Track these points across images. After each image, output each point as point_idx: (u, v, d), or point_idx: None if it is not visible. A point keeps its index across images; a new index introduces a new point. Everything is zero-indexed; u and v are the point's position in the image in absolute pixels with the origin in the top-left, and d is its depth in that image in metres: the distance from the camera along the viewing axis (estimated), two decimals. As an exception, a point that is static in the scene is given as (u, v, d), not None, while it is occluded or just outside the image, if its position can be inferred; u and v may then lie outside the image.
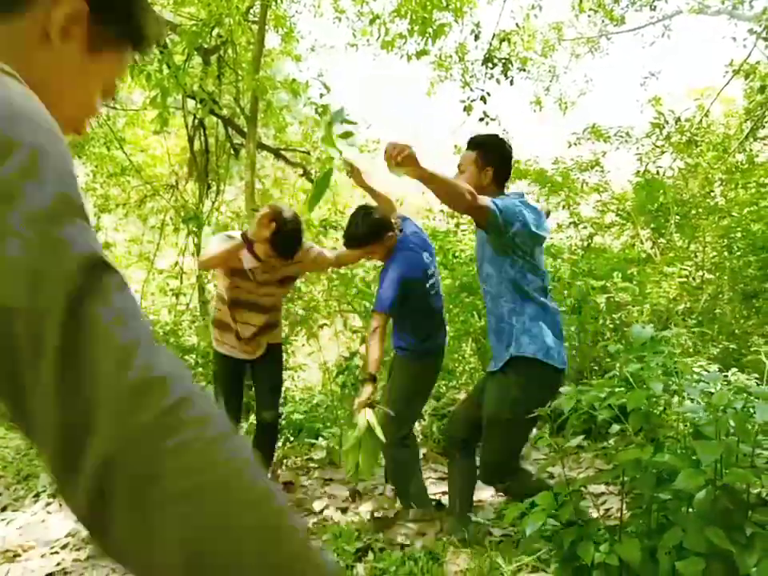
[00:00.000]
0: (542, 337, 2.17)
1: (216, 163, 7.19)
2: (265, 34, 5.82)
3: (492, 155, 2.28)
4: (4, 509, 2.99)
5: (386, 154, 1.94)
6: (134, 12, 0.66)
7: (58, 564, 2.37)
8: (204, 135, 6.99)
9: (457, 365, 4.89)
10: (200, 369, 4.72)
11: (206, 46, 6.28)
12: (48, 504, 3.01)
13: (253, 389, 3.26)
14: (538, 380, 2.18)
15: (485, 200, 2.06)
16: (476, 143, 2.32)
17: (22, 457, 3.59)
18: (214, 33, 6.28)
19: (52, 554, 2.49)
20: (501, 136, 2.49)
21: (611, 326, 4.32)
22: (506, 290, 2.21)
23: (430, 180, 1.99)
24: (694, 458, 1.63)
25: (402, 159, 1.90)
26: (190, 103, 6.47)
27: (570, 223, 5.91)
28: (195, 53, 6.31)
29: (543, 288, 2.26)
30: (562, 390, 1.97)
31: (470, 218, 2.74)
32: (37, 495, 3.11)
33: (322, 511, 2.88)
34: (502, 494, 2.52)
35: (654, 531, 1.71)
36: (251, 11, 6.97)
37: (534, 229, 2.17)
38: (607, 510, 2.48)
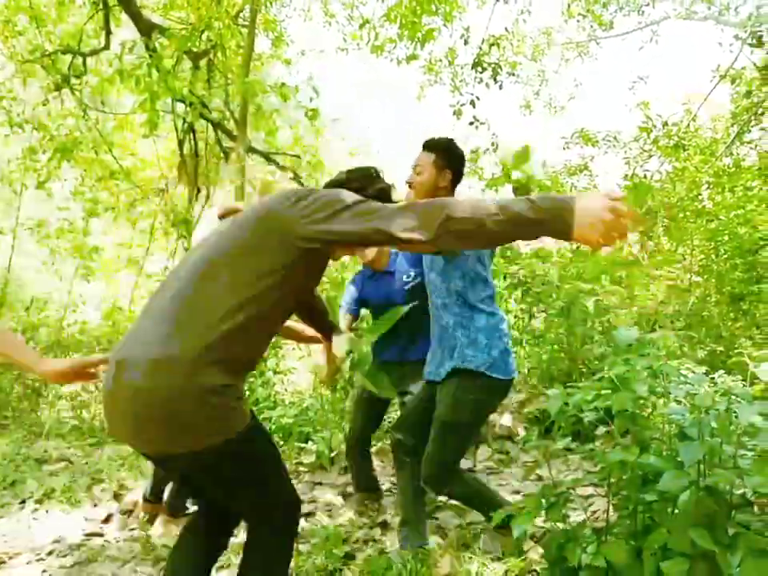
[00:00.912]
0: (488, 350, 2.16)
1: (206, 167, 7.18)
2: (254, 37, 5.82)
3: (452, 159, 2.29)
4: (-10, 515, 2.97)
5: None
6: None
7: (44, 571, 2.35)
8: (194, 139, 6.98)
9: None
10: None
11: (195, 50, 6.28)
12: (35, 510, 2.98)
13: None
14: (485, 389, 2.18)
15: None
16: (434, 145, 2.31)
17: (8, 463, 3.56)
18: (204, 37, 6.29)
19: (38, 560, 2.46)
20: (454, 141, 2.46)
21: (599, 328, 4.34)
22: (453, 302, 2.21)
23: None
24: (678, 459, 1.65)
25: None
26: (180, 107, 6.45)
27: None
28: (185, 56, 6.31)
29: (491, 296, 2.26)
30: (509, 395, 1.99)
31: None
32: (23, 502, 3.09)
33: (311, 514, 2.88)
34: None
35: (640, 532, 1.72)
36: (241, 15, 6.98)
37: None
38: (594, 511, 2.49)
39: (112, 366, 1.39)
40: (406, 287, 2.78)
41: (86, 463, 3.64)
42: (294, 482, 3.30)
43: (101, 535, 2.70)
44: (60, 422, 4.50)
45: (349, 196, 1.45)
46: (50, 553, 2.51)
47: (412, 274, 2.79)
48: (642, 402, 1.92)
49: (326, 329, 2.06)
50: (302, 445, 3.76)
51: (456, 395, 2.18)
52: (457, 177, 2.31)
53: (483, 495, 2.31)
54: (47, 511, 2.94)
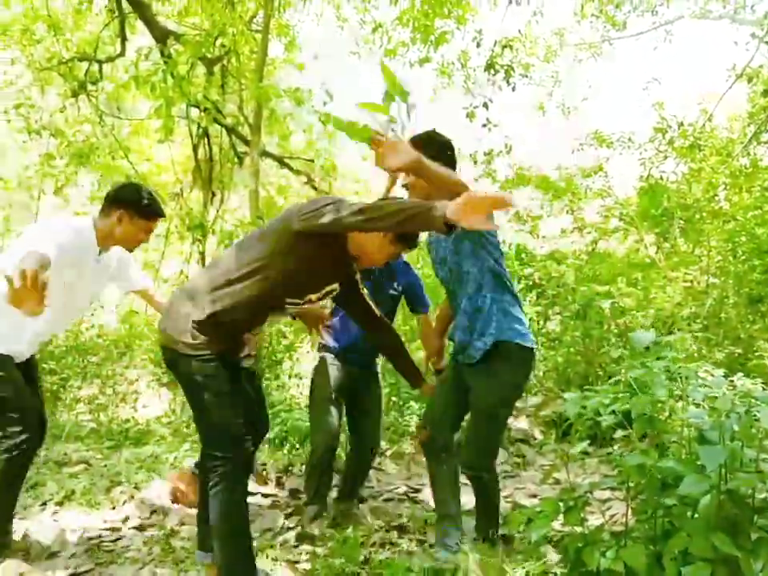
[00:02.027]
0: (518, 323, 2.25)
1: (220, 171, 7.24)
2: (268, 43, 5.86)
3: (433, 149, 2.19)
4: (11, 517, 3.00)
5: (375, 149, 1.82)
6: None
7: (65, 571, 2.38)
8: (208, 144, 7.04)
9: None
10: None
11: (209, 56, 6.33)
12: (55, 513, 3.02)
13: None
14: (520, 362, 2.26)
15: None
16: (415, 142, 2.21)
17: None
18: (218, 42, 6.34)
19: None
20: (436, 130, 2.41)
21: (616, 331, 4.31)
22: (488, 281, 2.27)
23: (421, 170, 1.87)
24: (698, 463, 1.63)
25: (389, 150, 1.79)
26: (194, 112, 6.51)
27: (574, 228, 5.92)
28: (199, 62, 6.37)
29: (509, 277, 2.36)
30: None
31: None
32: (44, 503, 3.13)
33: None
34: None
35: (660, 537, 1.70)
36: (254, 21, 7.03)
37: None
38: (612, 515, 2.48)
39: None
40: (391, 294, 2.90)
41: (105, 466, 3.68)
42: (298, 480, 3.31)
43: (120, 537, 2.73)
44: (78, 425, 4.56)
45: (337, 199, 1.86)
46: (72, 555, 2.54)
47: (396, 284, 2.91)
48: (660, 405, 1.91)
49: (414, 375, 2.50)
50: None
51: (494, 378, 2.23)
52: (447, 165, 2.19)
53: (497, 501, 2.34)
54: (67, 513, 2.97)
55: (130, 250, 2.51)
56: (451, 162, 2.29)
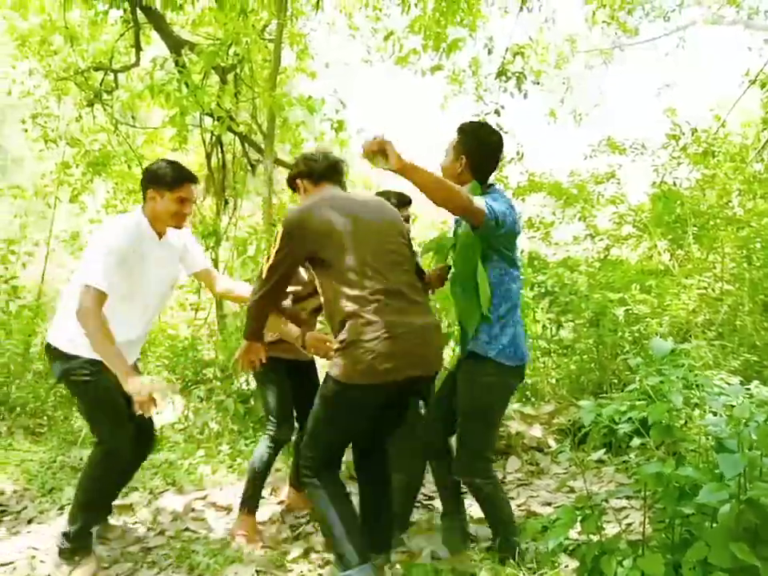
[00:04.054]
0: (500, 338, 2.19)
1: (233, 179, 7.29)
2: (281, 51, 5.91)
3: (469, 143, 2.21)
4: (30, 521, 3.04)
5: (363, 148, 1.89)
6: None
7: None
8: (221, 151, 7.09)
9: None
10: (218, 383, 4.76)
11: (222, 65, 6.40)
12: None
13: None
14: (498, 375, 2.21)
15: (480, 202, 2.04)
16: (459, 129, 2.27)
17: (46, 470, 3.64)
18: (231, 51, 6.41)
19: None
20: (489, 125, 2.41)
21: (630, 338, 4.29)
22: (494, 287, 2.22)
23: (412, 171, 1.87)
24: (716, 471, 1.63)
25: (377, 148, 1.85)
26: (207, 120, 6.57)
27: (587, 235, 5.90)
28: (212, 71, 6.44)
29: (519, 285, 2.31)
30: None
31: None
32: (61, 508, 3.16)
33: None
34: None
35: (678, 546, 1.69)
36: (267, 29, 7.10)
37: (516, 228, 2.23)
38: (629, 524, 2.46)
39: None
40: None
41: (120, 471, 3.71)
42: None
43: (137, 542, 2.75)
44: (93, 431, 4.59)
45: None
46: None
47: None
48: (676, 413, 1.90)
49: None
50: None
51: (478, 379, 2.21)
52: (476, 163, 2.22)
53: (506, 512, 2.29)
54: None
55: (178, 226, 2.48)
56: (484, 162, 2.25)
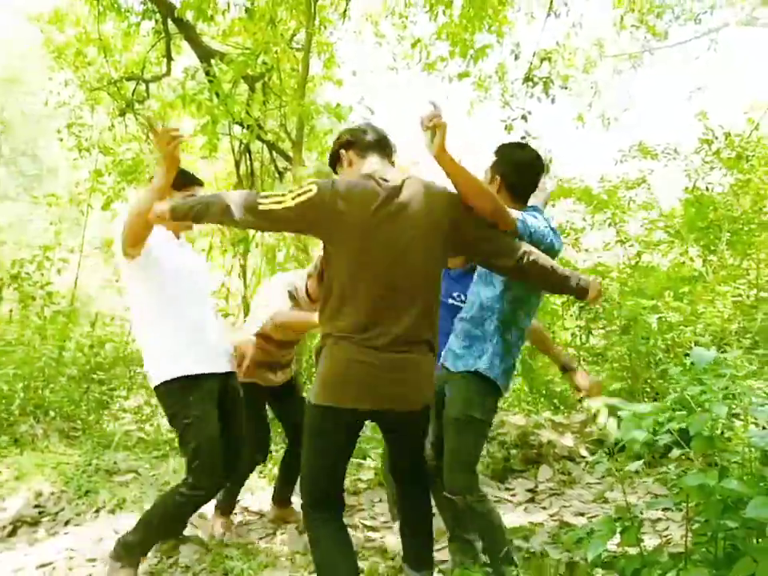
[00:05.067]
0: (503, 363, 2.16)
1: (261, 187, 7.38)
2: (309, 60, 5.98)
3: (504, 164, 2.19)
4: (67, 523, 3.10)
5: (422, 118, 1.85)
6: None
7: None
8: (250, 159, 7.19)
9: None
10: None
11: (251, 74, 6.49)
12: (107, 520, 3.10)
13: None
14: (489, 394, 2.17)
15: (513, 212, 2.03)
16: (495, 150, 2.24)
17: (81, 473, 3.71)
18: (259, 60, 6.50)
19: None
20: (526, 144, 2.36)
21: (663, 346, 4.22)
22: (499, 309, 2.15)
23: (450, 161, 1.87)
24: (762, 485, 1.59)
25: (431, 125, 1.82)
26: (237, 129, 6.67)
27: (617, 241, 5.82)
28: (241, 80, 6.53)
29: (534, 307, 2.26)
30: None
31: None
32: (97, 511, 3.21)
33: (372, 529, 2.90)
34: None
35: (722, 561, 1.65)
36: (295, 38, 7.19)
37: (557, 248, 2.19)
38: (667, 536, 2.42)
39: None
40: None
41: (153, 475, 3.77)
42: (352, 498, 3.33)
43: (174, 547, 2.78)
44: (126, 435, 4.67)
45: None
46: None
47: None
48: (718, 424, 1.86)
49: None
50: (361, 461, 3.78)
51: (471, 392, 2.13)
52: (511, 183, 2.19)
53: (498, 532, 2.16)
54: (121, 519, 3.05)
55: (175, 229, 2.49)
56: (520, 183, 2.21)
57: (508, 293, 2.15)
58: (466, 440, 2.14)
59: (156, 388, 2.33)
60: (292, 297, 2.86)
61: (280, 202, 1.85)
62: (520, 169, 2.21)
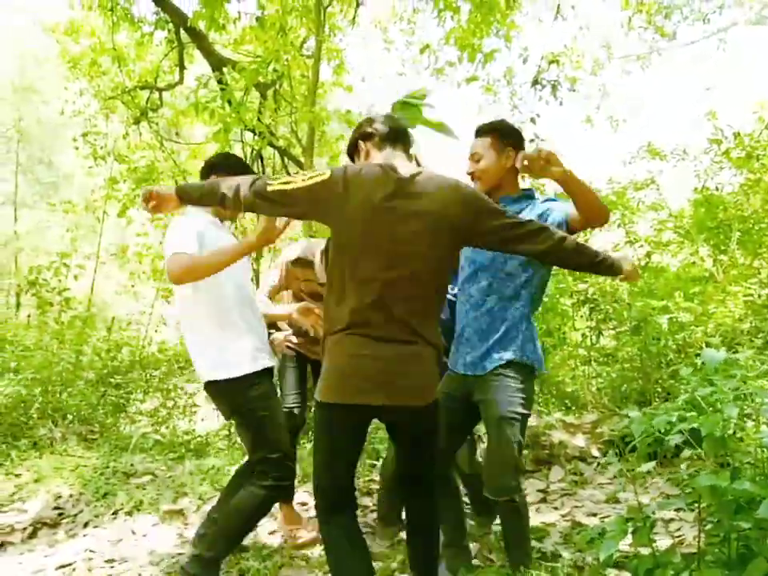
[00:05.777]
0: (538, 347, 2.21)
1: (272, 192, 7.44)
2: (319, 67, 6.04)
3: (510, 135, 2.22)
4: (86, 524, 3.16)
5: (528, 160, 2.01)
6: None
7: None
8: (262, 165, 7.25)
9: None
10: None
11: (262, 81, 6.56)
12: (124, 521, 3.16)
13: None
14: (531, 382, 2.20)
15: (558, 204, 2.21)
16: (488, 128, 2.26)
17: (99, 475, 3.78)
18: (270, 68, 6.58)
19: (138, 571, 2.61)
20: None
21: (674, 347, 4.22)
22: (524, 295, 2.17)
23: (578, 180, 2.02)
24: (774, 484, 1.60)
25: (548, 159, 1.98)
26: (249, 135, 6.75)
27: (627, 242, 5.82)
28: (253, 87, 6.61)
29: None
30: None
31: None
32: (115, 513, 3.28)
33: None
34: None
35: (735, 561, 1.67)
36: (305, 46, 7.27)
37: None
38: (680, 537, 2.43)
39: None
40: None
41: (170, 477, 3.82)
42: (367, 499, 3.37)
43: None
44: (144, 437, 4.74)
45: None
46: (144, 564, 2.65)
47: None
48: (729, 424, 1.88)
49: None
50: (375, 462, 3.82)
51: (513, 389, 2.12)
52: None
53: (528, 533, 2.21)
54: (139, 521, 3.11)
55: (230, 219, 2.62)
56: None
57: (536, 277, 2.19)
58: (513, 438, 2.12)
59: (229, 383, 2.27)
60: (307, 263, 2.89)
61: (289, 182, 1.84)
62: (522, 139, 2.30)
